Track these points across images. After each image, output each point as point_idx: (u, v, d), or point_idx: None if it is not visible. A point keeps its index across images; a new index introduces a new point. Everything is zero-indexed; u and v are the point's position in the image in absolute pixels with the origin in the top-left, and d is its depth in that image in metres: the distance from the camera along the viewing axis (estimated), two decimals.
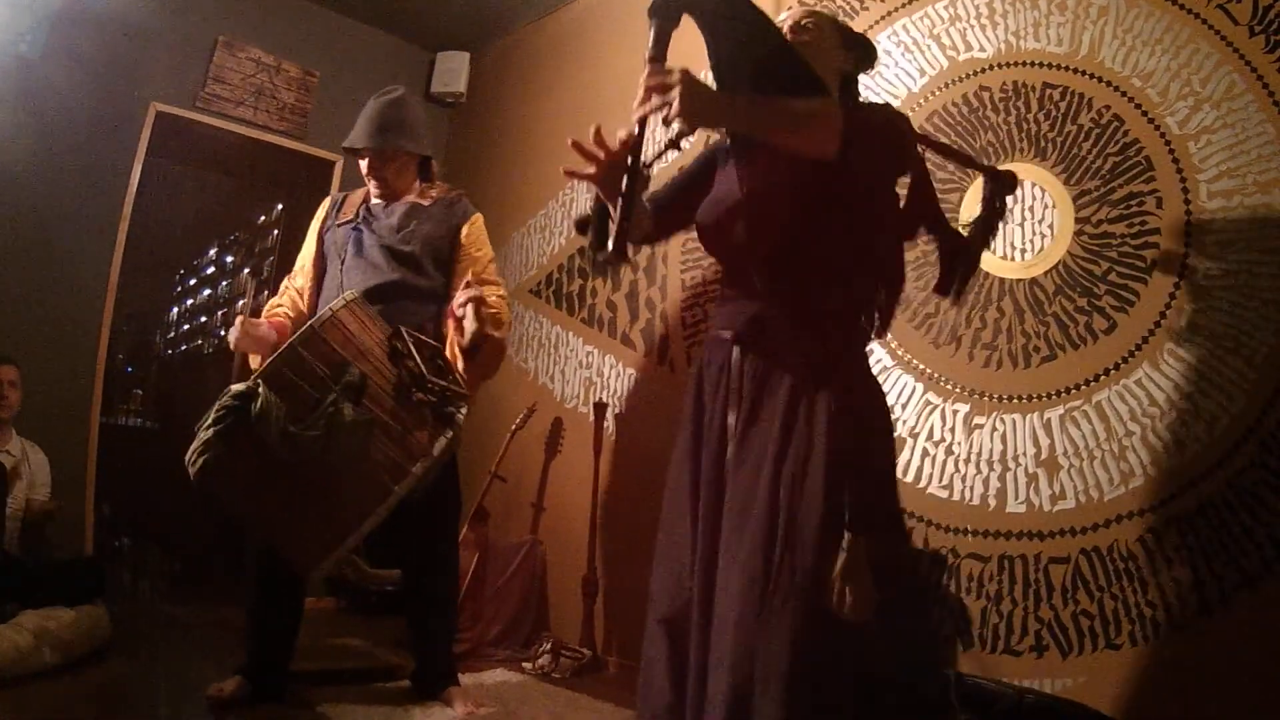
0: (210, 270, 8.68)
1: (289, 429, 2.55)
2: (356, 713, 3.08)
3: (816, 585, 1.69)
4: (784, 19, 2.09)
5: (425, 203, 3.42)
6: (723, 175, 2.09)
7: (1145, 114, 2.86)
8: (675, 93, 1.61)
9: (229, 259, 8.20)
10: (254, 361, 3.17)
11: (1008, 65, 3.22)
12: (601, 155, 1.91)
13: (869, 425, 1.88)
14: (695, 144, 3.31)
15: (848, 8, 3.73)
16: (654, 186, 2.24)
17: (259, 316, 3.30)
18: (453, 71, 5.98)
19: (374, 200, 3.44)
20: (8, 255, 4.35)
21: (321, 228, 3.48)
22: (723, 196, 2.04)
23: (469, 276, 3.19)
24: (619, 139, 1.85)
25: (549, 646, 3.94)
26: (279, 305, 3.39)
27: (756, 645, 1.69)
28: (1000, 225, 2.36)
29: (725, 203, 2.01)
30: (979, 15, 3.34)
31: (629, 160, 1.74)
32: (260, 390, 2.53)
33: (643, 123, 1.71)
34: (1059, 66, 3.08)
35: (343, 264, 3.30)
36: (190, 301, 9.05)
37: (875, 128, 1.85)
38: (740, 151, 1.99)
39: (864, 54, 2.16)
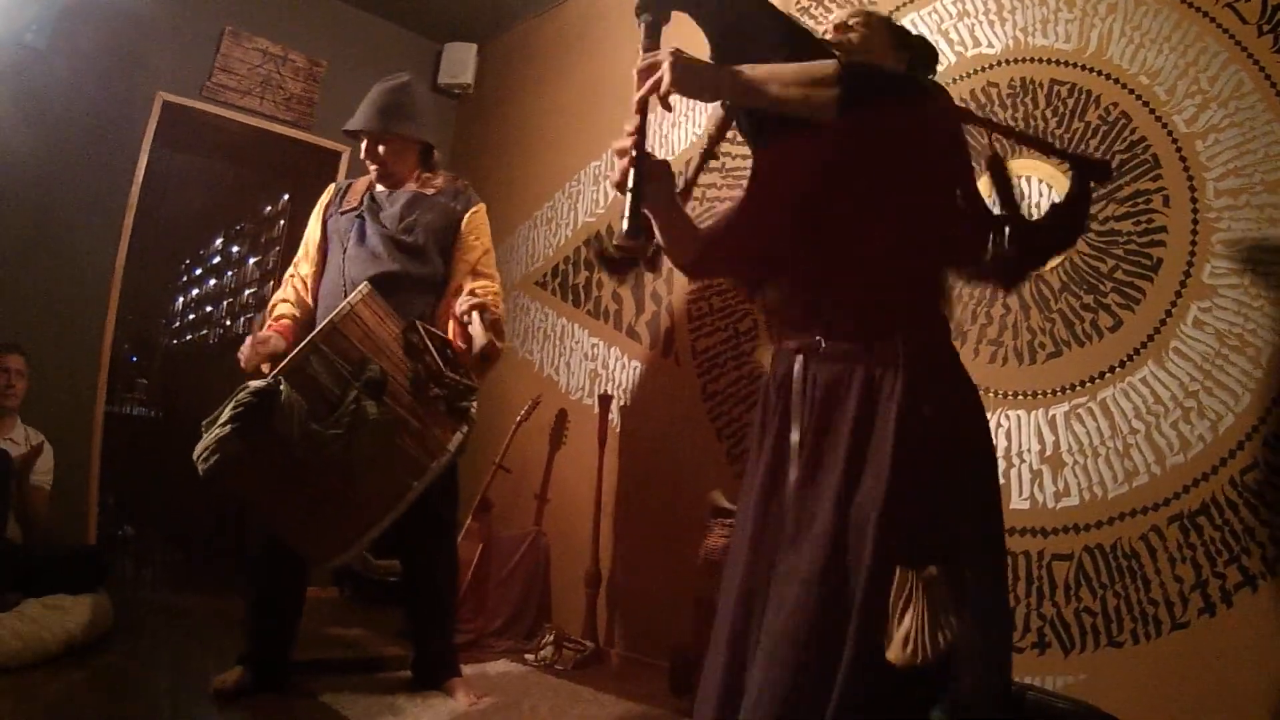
0: (216, 260, 8.66)
1: (312, 427, 2.53)
2: (358, 702, 3.09)
3: (872, 625, 1.54)
4: (831, 19, 2.04)
5: (428, 192, 3.41)
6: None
7: (1153, 111, 2.85)
8: (664, 68, 1.59)
9: (235, 249, 8.19)
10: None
11: (1016, 61, 3.21)
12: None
13: (949, 433, 1.70)
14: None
15: (856, 2, 3.72)
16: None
17: (264, 310, 3.29)
18: (460, 63, 5.98)
19: (378, 189, 3.43)
20: (14, 245, 4.35)
21: (325, 214, 3.47)
22: (758, 201, 1.95)
23: (467, 280, 3.23)
24: (626, 131, 1.78)
25: (551, 638, 3.95)
26: (284, 301, 3.37)
27: (804, 684, 1.56)
28: (1086, 220, 2.11)
29: (760, 204, 1.94)
30: (987, 11, 3.33)
31: (634, 149, 1.71)
32: (282, 387, 2.51)
33: (643, 109, 1.69)
34: (1067, 63, 3.08)
35: (345, 253, 3.30)
36: (196, 291, 9.05)
37: (884, 82, 1.74)
38: (753, 136, 1.93)
39: (921, 56, 2.06)
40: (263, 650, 3.14)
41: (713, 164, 2.25)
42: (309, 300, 3.37)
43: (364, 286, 2.89)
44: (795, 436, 1.77)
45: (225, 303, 8.03)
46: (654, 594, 4.01)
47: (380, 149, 3.37)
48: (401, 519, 2.77)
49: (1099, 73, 2.99)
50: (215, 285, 8.59)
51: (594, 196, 4.89)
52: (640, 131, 1.71)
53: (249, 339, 3.08)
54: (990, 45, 3.29)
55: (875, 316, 1.77)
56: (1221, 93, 2.72)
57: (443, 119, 6.01)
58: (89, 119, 4.62)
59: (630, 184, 1.68)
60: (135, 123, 4.79)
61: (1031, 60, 3.17)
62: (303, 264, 3.44)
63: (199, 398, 4.44)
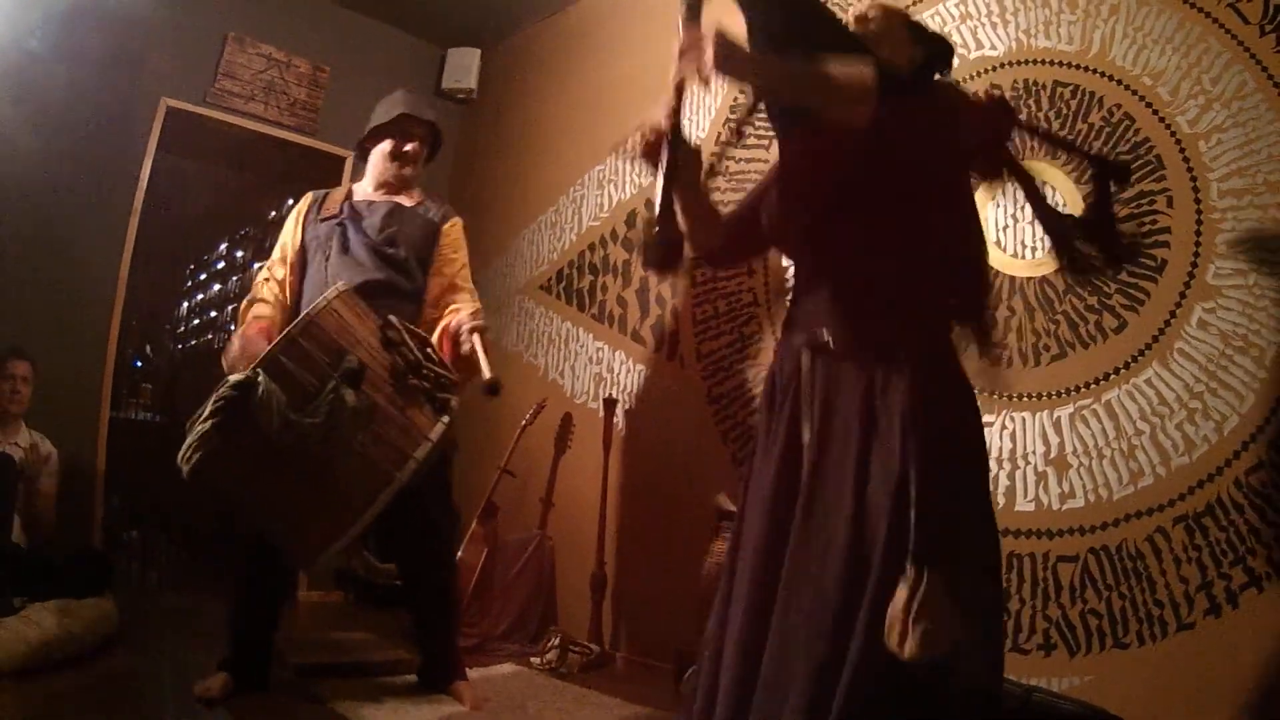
0: (220, 265, 8.69)
1: (290, 417, 2.54)
2: (362, 706, 3.08)
3: (880, 619, 1.55)
4: (851, 11, 2.04)
5: (407, 203, 3.44)
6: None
7: (1156, 113, 2.85)
8: (710, 47, 1.57)
9: (239, 254, 8.22)
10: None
11: (1019, 63, 3.21)
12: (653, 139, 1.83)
13: (952, 433, 1.71)
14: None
15: (858, 3, 3.72)
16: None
17: (239, 320, 3.30)
18: (464, 68, 5.99)
19: (357, 198, 3.44)
20: (19, 250, 4.36)
21: (304, 221, 3.45)
22: (777, 189, 1.95)
23: (447, 294, 3.32)
24: (665, 107, 1.76)
25: (557, 642, 3.94)
26: (261, 302, 3.32)
27: (825, 680, 1.57)
28: (1112, 219, 2.15)
29: (778, 193, 1.94)
30: (990, 13, 3.33)
31: (669, 129, 1.71)
32: (260, 379, 2.53)
33: (680, 88, 1.68)
34: (1070, 65, 3.08)
35: (328, 260, 3.30)
36: (200, 296, 9.06)
37: (920, 100, 1.75)
38: (780, 127, 1.93)
39: (937, 51, 2.06)
40: (244, 651, 3.14)
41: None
42: (286, 301, 3.35)
43: (341, 284, 2.90)
44: (806, 434, 1.77)
45: (230, 308, 8.04)
46: (659, 597, 4.01)
47: (415, 143, 3.46)
48: (393, 523, 2.77)
49: (1102, 74, 2.99)
50: (220, 290, 8.61)
51: (598, 200, 4.89)
52: (676, 111, 1.71)
53: (237, 340, 3.10)
54: (993, 48, 3.29)
55: (883, 316, 1.76)
56: (1224, 93, 2.72)
57: (446, 124, 6.00)
58: (93, 124, 4.63)
59: (663, 165, 1.70)
60: (139, 128, 4.80)
61: (1034, 62, 3.17)
62: (277, 268, 3.39)
63: (203, 402, 4.44)
